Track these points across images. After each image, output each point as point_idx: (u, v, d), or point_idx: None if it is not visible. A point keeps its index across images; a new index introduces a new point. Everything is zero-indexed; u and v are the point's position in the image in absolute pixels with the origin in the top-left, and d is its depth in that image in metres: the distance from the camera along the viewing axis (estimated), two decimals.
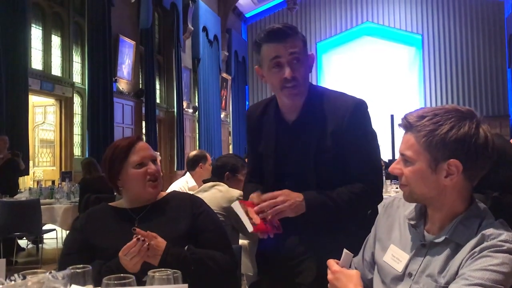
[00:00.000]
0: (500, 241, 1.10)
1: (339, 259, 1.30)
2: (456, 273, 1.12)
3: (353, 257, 1.40)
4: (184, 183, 4.08)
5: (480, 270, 1.07)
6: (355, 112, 1.59)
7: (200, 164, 4.09)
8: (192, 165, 4.12)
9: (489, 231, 1.13)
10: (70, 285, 0.94)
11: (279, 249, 1.68)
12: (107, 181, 1.78)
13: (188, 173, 4.19)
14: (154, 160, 1.74)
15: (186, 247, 1.61)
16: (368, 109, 1.65)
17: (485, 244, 1.11)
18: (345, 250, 1.28)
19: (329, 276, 1.28)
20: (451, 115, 1.16)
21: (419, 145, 1.17)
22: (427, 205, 1.24)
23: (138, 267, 1.47)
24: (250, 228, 1.46)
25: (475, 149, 1.14)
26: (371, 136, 1.65)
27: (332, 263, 1.29)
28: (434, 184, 1.18)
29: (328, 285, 1.28)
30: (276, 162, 1.68)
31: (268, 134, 1.71)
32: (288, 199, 1.49)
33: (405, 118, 1.22)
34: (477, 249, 1.11)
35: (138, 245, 1.47)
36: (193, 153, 4.29)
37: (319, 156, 1.59)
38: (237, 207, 1.52)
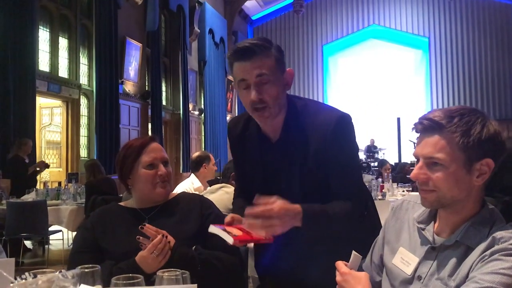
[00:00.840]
0: (511, 244, 1.09)
1: (347, 261, 1.30)
2: (467, 276, 1.11)
3: (362, 259, 1.40)
4: (189, 185, 4.08)
5: (490, 274, 1.06)
6: (337, 128, 1.51)
7: (204, 164, 4.10)
8: (195, 166, 4.14)
9: (500, 234, 1.12)
10: (79, 285, 0.94)
11: (280, 257, 1.66)
12: (119, 179, 1.78)
13: (192, 174, 4.19)
14: (166, 162, 1.74)
15: (194, 247, 1.62)
16: (351, 122, 1.57)
17: (496, 247, 1.10)
18: (353, 252, 1.27)
19: (338, 278, 1.27)
20: (476, 113, 1.15)
21: (453, 146, 1.14)
22: (446, 208, 1.21)
23: (161, 265, 1.49)
24: (230, 240, 1.37)
25: (502, 146, 1.15)
26: (352, 154, 1.58)
27: (340, 265, 1.28)
28: (467, 185, 1.15)
29: (337, 287, 1.27)
30: (263, 181, 1.62)
31: (252, 153, 1.64)
32: (282, 220, 1.37)
33: (429, 119, 1.16)
34: (488, 252, 1.10)
35: (164, 241, 1.49)
36: (196, 154, 4.31)
37: (304, 175, 1.54)
38: (213, 229, 1.46)
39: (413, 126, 1.21)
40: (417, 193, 1.29)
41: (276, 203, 1.36)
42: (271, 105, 1.49)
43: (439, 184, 1.16)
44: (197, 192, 3.81)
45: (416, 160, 1.22)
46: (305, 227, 1.43)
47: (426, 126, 1.17)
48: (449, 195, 1.16)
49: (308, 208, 1.44)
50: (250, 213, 1.35)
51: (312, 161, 1.52)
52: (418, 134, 1.22)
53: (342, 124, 1.53)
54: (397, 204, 1.40)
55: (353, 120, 1.59)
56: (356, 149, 1.61)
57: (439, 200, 1.18)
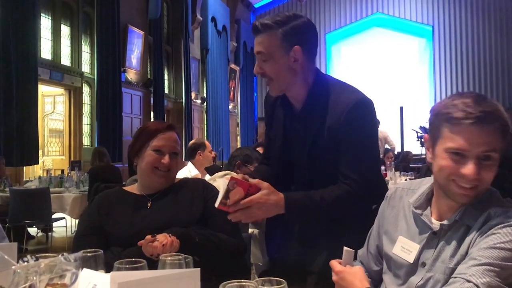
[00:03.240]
0: (507, 217, 1.10)
1: (349, 247, 1.30)
2: (466, 253, 1.12)
3: (359, 249, 1.40)
4: (187, 173, 4.10)
5: (488, 249, 1.06)
6: (354, 110, 1.52)
7: (199, 151, 4.13)
8: (191, 153, 4.17)
9: (496, 208, 1.13)
10: (82, 269, 0.94)
11: (289, 240, 1.69)
12: (128, 156, 1.82)
13: (189, 162, 4.22)
14: (175, 153, 1.76)
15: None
16: (372, 107, 1.58)
17: (492, 221, 1.11)
18: (345, 248, 1.26)
19: (334, 277, 1.27)
20: None
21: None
22: (443, 193, 1.21)
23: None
24: (217, 203, 1.38)
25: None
26: (365, 138, 1.57)
27: (334, 264, 1.28)
28: None
29: (335, 286, 1.27)
30: (282, 148, 1.69)
31: (277, 120, 1.73)
32: (262, 209, 1.43)
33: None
34: (485, 227, 1.11)
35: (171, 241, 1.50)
36: (192, 141, 4.35)
37: (314, 149, 1.58)
38: (223, 182, 1.41)
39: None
40: (411, 180, 1.34)
41: (258, 193, 1.41)
42: (275, 80, 1.58)
43: (487, 184, 1.16)
44: None
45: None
46: (288, 215, 1.47)
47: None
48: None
49: (291, 195, 1.48)
50: (232, 203, 1.39)
51: (324, 136, 1.56)
52: (421, 124, 1.23)
53: (360, 106, 1.55)
54: (390, 192, 1.39)
55: None
56: (372, 134, 1.60)
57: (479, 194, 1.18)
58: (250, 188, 1.39)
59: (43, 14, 7.84)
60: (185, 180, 1.87)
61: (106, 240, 1.63)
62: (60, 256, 0.79)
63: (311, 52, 1.60)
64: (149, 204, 1.71)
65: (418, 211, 1.24)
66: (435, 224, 1.21)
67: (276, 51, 1.54)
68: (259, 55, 1.56)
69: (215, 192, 1.80)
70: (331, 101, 1.57)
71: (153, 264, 1.18)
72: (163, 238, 1.48)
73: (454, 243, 1.16)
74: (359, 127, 1.54)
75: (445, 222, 1.19)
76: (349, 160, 1.53)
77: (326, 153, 1.57)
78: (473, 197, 1.15)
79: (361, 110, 1.55)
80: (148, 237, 1.48)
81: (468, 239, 1.13)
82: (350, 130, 1.52)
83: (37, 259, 0.77)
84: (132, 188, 1.82)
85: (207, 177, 4.06)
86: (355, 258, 1.43)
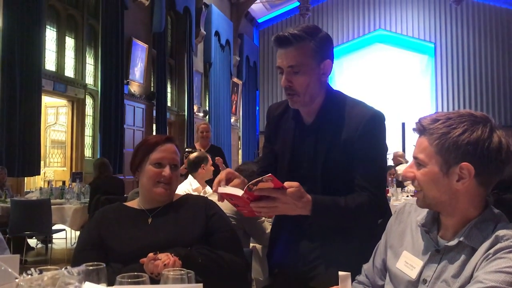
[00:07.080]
0: None
1: (352, 265, 1.29)
2: (471, 276, 1.10)
3: (363, 263, 1.38)
4: (188, 186, 4.09)
5: (494, 273, 1.05)
6: (369, 123, 1.56)
7: (202, 165, 4.12)
8: (194, 167, 4.16)
9: (503, 232, 1.12)
10: (84, 282, 0.94)
11: (292, 254, 1.68)
12: (130, 169, 1.80)
13: (190, 175, 4.21)
14: (174, 165, 1.75)
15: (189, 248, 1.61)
16: (384, 121, 1.61)
17: (499, 245, 1.09)
18: (339, 273, 1.24)
19: None
20: (464, 119, 1.16)
21: (431, 148, 1.17)
22: (439, 212, 1.23)
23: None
24: (241, 192, 1.38)
25: (488, 154, 1.13)
26: (380, 151, 1.61)
27: None
28: (446, 188, 1.17)
29: None
30: (290, 162, 1.67)
31: (285, 133, 1.70)
32: (288, 203, 1.40)
33: (419, 122, 1.23)
34: (492, 250, 1.09)
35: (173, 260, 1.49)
36: (194, 155, 4.32)
37: (327, 163, 1.58)
38: (222, 189, 1.45)
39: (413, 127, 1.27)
40: None
41: (289, 189, 1.39)
42: (301, 94, 1.56)
43: (421, 183, 1.21)
44: (196, 193, 3.82)
45: None
46: (314, 217, 1.46)
47: (416, 128, 1.24)
48: (431, 196, 1.20)
49: (318, 197, 1.48)
50: (259, 187, 1.36)
51: (339, 149, 1.57)
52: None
53: (375, 120, 1.58)
54: (399, 207, 1.40)
55: None
56: (384, 148, 1.63)
57: (425, 200, 1.22)
58: (282, 188, 1.38)
59: (48, 26, 7.91)
60: (186, 196, 1.86)
61: (106, 255, 1.61)
62: (63, 269, 0.79)
63: (332, 66, 1.62)
64: (149, 220, 1.69)
65: (425, 229, 1.25)
66: (440, 242, 1.21)
67: (309, 63, 1.54)
68: (291, 68, 1.54)
69: (217, 208, 1.80)
70: (343, 114, 1.59)
71: (155, 278, 1.17)
72: (165, 257, 1.45)
73: (457, 263, 1.15)
74: (374, 140, 1.57)
75: (449, 243, 1.18)
76: (366, 172, 1.55)
77: (339, 166, 1.57)
78: None
79: (376, 123, 1.58)
80: (151, 254, 1.46)
81: (473, 262, 1.12)
82: (366, 143, 1.55)
83: (40, 272, 0.76)
84: (133, 203, 1.80)
85: (208, 190, 4.05)
86: (355, 277, 1.42)
